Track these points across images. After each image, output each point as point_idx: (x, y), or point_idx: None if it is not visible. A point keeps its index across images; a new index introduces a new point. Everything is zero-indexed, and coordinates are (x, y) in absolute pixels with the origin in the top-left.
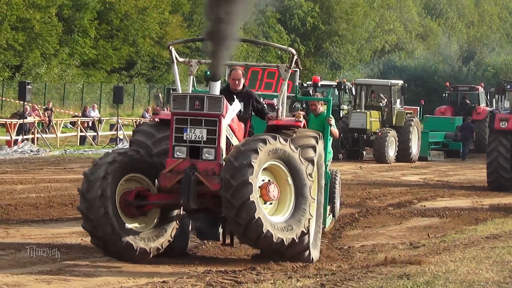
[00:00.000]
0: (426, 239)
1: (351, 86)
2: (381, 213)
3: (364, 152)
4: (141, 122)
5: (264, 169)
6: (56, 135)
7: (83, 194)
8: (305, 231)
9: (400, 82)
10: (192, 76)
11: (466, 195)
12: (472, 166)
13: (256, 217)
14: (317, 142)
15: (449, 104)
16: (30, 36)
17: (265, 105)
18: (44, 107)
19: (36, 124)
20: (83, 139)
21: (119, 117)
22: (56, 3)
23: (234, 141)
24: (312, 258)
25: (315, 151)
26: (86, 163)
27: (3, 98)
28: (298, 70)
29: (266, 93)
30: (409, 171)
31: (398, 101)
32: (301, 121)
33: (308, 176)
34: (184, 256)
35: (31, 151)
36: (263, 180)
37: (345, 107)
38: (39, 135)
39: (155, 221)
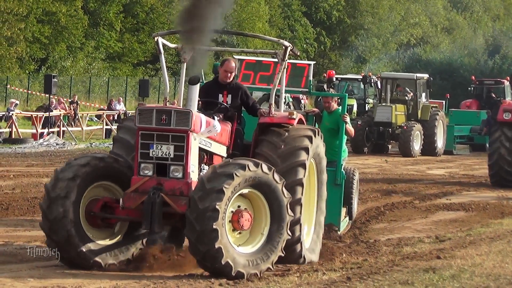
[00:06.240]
0: (452, 233)
1: (376, 80)
2: (407, 206)
3: (389, 146)
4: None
5: (242, 195)
6: (82, 128)
7: (44, 212)
8: (271, 268)
9: (426, 75)
10: (185, 64)
11: (492, 189)
12: None
13: (217, 247)
14: (311, 142)
15: (474, 98)
16: (56, 29)
17: (256, 102)
18: (70, 100)
19: (61, 117)
20: (108, 132)
21: None
22: None
23: (214, 148)
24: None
25: (307, 153)
26: None
27: (29, 91)
28: (312, 63)
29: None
30: (434, 165)
31: (423, 94)
32: (294, 118)
33: (289, 211)
34: None
35: (57, 144)
36: (238, 207)
37: (371, 100)
38: (64, 128)
39: (124, 231)
